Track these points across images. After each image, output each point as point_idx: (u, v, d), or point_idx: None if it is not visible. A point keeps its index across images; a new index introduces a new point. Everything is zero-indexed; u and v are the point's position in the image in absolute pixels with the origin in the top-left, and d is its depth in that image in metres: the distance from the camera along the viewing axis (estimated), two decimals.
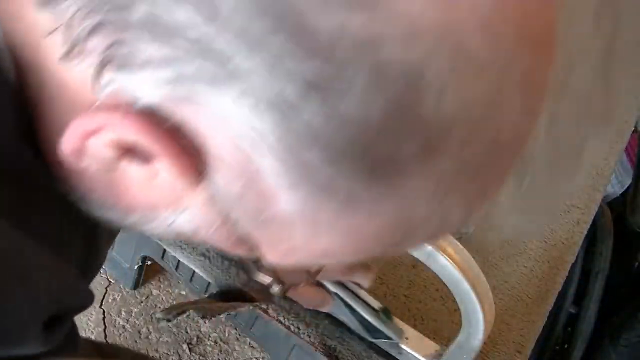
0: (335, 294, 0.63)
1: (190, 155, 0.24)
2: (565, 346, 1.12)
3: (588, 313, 1.09)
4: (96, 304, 1.19)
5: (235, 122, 0.22)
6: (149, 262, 1.11)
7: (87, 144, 0.25)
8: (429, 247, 0.52)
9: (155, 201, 0.27)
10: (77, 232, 0.34)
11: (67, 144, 0.25)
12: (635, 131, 1.15)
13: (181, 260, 0.71)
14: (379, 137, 0.22)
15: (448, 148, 0.23)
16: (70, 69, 0.25)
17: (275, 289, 0.58)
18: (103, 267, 1.21)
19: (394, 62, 0.21)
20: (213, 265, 0.69)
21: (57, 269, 0.31)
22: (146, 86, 0.23)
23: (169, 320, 0.60)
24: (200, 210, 0.27)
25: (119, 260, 1.15)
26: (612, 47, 1.16)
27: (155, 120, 0.23)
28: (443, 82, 0.21)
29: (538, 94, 0.24)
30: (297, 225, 0.26)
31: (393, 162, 0.23)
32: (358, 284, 0.63)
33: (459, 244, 0.53)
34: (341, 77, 0.21)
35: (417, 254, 0.54)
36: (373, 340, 0.67)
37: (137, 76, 0.22)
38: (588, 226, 0.91)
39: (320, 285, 0.62)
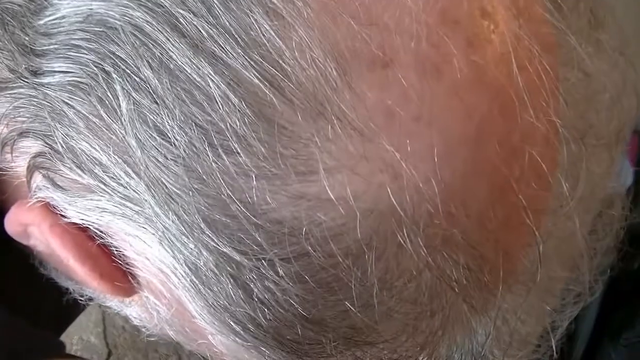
0: None
1: (119, 274, 0.24)
2: (565, 346, 1.12)
3: (588, 313, 1.09)
4: (96, 304, 1.19)
5: (158, 261, 0.22)
6: None
7: (27, 229, 0.25)
8: None
9: (102, 290, 0.27)
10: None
11: (9, 225, 0.25)
12: (635, 131, 1.15)
13: None
14: (298, 323, 0.22)
15: (374, 341, 0.22)
16: (16, 172, 0.25)
17: None
18: None
19: (316, 254, 0.20)
20: None
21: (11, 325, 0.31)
22: (71, 208, 0.23)
23: None
24: (142, 310, 0.27)
25: None
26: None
27: (82, 238, 0.23)
28: (371, 279, 0.21)
29: None
30: (236, 355, 0.25)
31: (305, 345, 0.22)
32: None
33: None
34: (255, 259, 0.20)
35: None
36: None
37: (62, 196, 0.23)
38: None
39: None
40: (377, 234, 0.20)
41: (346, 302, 0.21)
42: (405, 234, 0.20)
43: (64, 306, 0.36)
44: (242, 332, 0.22)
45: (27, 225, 0.25)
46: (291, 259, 0.20)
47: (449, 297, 0.22)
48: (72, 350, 1.12)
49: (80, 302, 0.41)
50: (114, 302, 0.28)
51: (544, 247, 0.23)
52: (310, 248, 0.20)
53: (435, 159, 0.19)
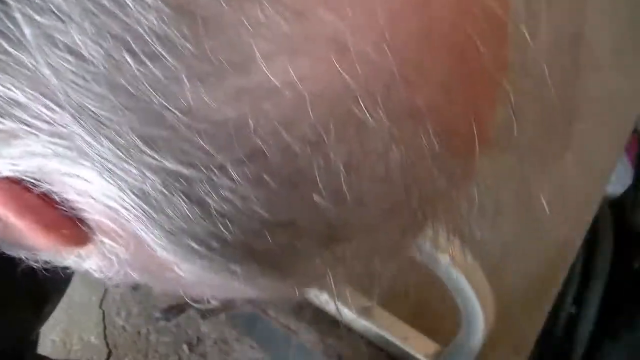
0: None
1: (67, 222, 0.22)
2: (565, 346, 1.12)
3: (588, 313, 1.09)
4: (96, 304, 1.20)
5: (104, 197, 0.20)
6: None
7: None
8: (430, 248, 0.52)
9: (55, 247, 0.25)
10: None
11: None
12: (635, 131, 1.15)
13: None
14: (259, 231, 0.20)
15: (350, 235, 0.21)
16: None
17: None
18: None
19: (268, 151, 0.18)
20: None
21: None
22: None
23: (168, 320, 0.60)
24: (100, 260, 0.25)
25: None
26: (613, 46, 1.16)
27: (17, 190, 0.21)
28: (332, 169, 0.19)
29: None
30: (200, 285, 0.24)
31: (279, 254, 0.21)
32: None
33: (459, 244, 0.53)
34: (206, 169, 0.19)
35: (417, 254, 0.54)
36: None
37: None
38: (588, 226, 0.91)
39: None
40: (333, 115, 0.18)
41: (313, 196, 0.19)
42: (365, 110, 0.18)
43: (39, 291, 0.35)
44: (207, 253, 0.21)
45: None
46: (244, 160, 0.18)
47: (423, 171, 0.20)
48: (72, 350, 1.12)
49: (57, 287, 0.39)
50: (71, 260, 0.26)
51: (515, 104, 0.21)
52: (262, 144, 0.18)
53: (382, 23, 0.17)
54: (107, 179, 0.19)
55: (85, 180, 0.20)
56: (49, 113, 0.19)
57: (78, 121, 0.18)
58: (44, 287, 0.36)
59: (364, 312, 0.68)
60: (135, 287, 1.19)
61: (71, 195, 0.21)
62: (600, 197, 0.95)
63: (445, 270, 0.53)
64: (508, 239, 0.86)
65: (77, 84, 0.18)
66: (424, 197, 0.21)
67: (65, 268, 0.27)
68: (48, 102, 0.18)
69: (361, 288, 0.24)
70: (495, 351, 0.74)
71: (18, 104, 0.19)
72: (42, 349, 1.04)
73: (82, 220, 0.22)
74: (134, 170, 0.19)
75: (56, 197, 0.21)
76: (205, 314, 0.62)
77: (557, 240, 0.87)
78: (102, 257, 0.24)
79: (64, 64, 0.17)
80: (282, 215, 0.20)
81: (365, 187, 0.20)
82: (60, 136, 0.19)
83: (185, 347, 1.19)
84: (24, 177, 0.21)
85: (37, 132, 0.19)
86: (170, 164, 0.18)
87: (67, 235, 0.22)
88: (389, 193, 0.20)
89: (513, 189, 0.92)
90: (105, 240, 0.23)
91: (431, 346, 0.67)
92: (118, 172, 0.19)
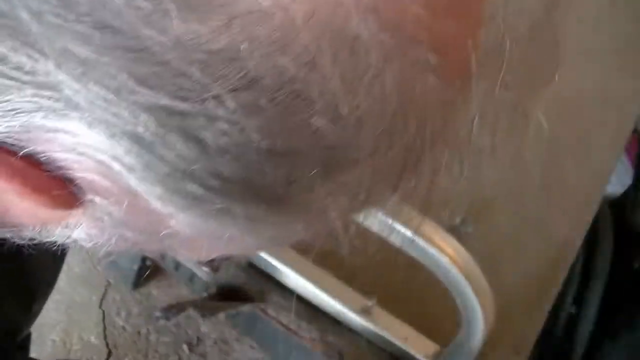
0: None
1: (55, 183, 0.21)
2: (565, 346, 1.12)
3: (588, 313, 1.09)
4: (95, 304, 1.20)
5: (93, 151, 0.19)
6: (149, 262, 1.11)
7: None
8: (430, 248, 0.52)
9: (42, 219, 0.24)
10: None
11: None
12: (635, 131, 1.15)
13: (181, 260, 0.71)
14: (260, 164, 0.19)
15: (352, 160, 0.20)
16: None
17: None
18: (102, 267, 1.21)
19: (264, 77, 0.18)
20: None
21: None
22: None
23: (168, 319, 0.60)
24: (92, 226, 0.24)
25: (119, 260, 1.15)
26: (613, 46, 1.16)
27: (2, 153, 0.20)
28: (330, 88, 0.18)
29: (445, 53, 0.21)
30: (198, 238, 0.23)
31: (281, 186, 0.20)
32: None
33: (459, 244, 0.53)
34: (201, 102, 0.18)
35: (416, 254, 0.54)
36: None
37: None
38: (588, 226, 0.91)
39: None
40: (326, 34, 0.18)
41: (312, 119, 0.19)
42: (357, 25, 0.18)
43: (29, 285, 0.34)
44: (207, 194, 0.20)
45: None
46: (239, 88, 0.18)
47: (420, 89, 0.20)
48: (72, 350, 1.12)
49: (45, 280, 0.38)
50: (58, 233, 0.25)
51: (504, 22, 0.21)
52: (256, 70, 0.18)
53: None
54: (97, 127, 0.18)
55: (73, 134, 0.19)
56: (31, 63, 0.18)
57: (63, 67, 0.17)
58: (31, 282, 0.35)
59: (364, 312, 0.68)
60: (135, 286, 1.19)
61: (58, 154, 0.20)
62: (600, 197, 0.95)
63: (445, 270, 0.53)
64: (508, 239, 0.86)
65: (59, 27, 0.17)
66: (422, 120, 0.21)
67: (53, 244, 0.26)
68: (29, 51, 0.17)
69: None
70: (495, 351, 0.74)
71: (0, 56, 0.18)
72: (42, 348, 1.04)
73: (71, 181, 0.21)
74: (126, 113, 0.18)
75: (42, 158, 0.20)
76: (205, 314, 0.62)
77: (557, 240, 0.87)
78: (93, 220, 0.23)
79: (44, 6, 0.17)
80: (282, 143, 0.19)
81: (363, 106, 0.19)
82: (44, 87, 0.18)
83: (185, 347, 1.20)
84: (6, 140, 0.20)
85: (19, 86, 0.18)
86: (164, 100, 0.18)
87: (57, 198, 0.21)
88: (386, 113, 0.20)
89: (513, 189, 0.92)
90: (97, 199, 0.22)
91: (431, 346, 0.67)
92: (108, 117, 0.18)
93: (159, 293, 1.24)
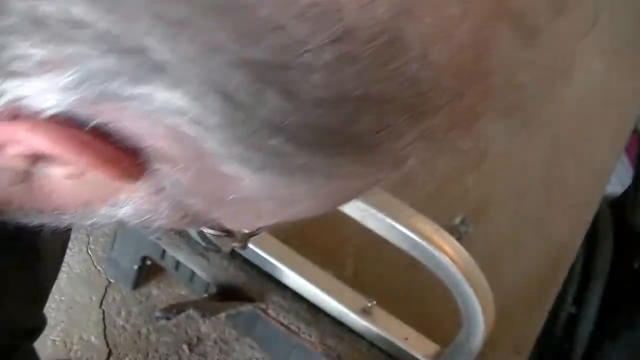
0: None
1: (123, 154, 0.21)
2: (565, 346, 1.12)
3: (588, 313, 1.09)
4: (96, 304, 1.20)
5: (169, 115, 0.19)
6: (149, 262, 1.11)
7: None
8: (430, 247, 0.52)
9: (88, 198, 0.24)
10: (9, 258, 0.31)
11: None
12: (635, 131, 1.15)
13: (181, 260, 0.71)
14: (355, 113, 0.20)
15: (438, 106, 0.21)
16: None
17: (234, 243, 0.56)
18: (103, 267, 1.21)
19: (360, 27, 0.18)
20: (212, 265, 0.69)
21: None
22: (49, 93, 0.19)
23: (168, 319, 0.60)
24: (145, 201, 0.24)
25: (119, 260, 1.15)
26: (613, 46, 1.16)
27: (71, 127, 0.20)
28: (422, 34, 0.19)
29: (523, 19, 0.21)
30: (264, 202, 0.24)
31: (374, 134, 0.21)
32: None
33: (458, 244, 0.53)
34: (299, 55, 0.18)
35: (416, 253, 0.54)
36: (206, 246, 0.65)
37: (34, 84, 0.19)
38: (588, 226, 0.91)
39: None
40: None
41: (407, 66, 0.19)
42: None
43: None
44: (293, 149, 0.20)
45: None
46: (336, 40, 0.18)
47: (494, 36, 0.21)
48: (72, 350, 1.12)
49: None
50: (102, 212, 0.25)
51: None
52: (353, 20, 0.18)
53: None
54: (181, 90, 0.19)
55: (149, 99, 0.19)
56: (117, 29, 0.18)
57: (154, 30, 0.17)
58: (41, 280, 0.35)
59: (364, 312, 0.68)
60: (135, 286, 1.20)
61: (128, 123, 0.20)
62: (600, 197, 0.95)
63: (445, 270, 0.53)
64: (508, 239, 0.86)
65: None
66: (493, 71, 0.22)
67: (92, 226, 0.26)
68: (117, 17, 0.18)
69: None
70: (495, 351, 0.74)
71: (83, 24, 0.18)
72: (43, 348, 1.04)
73: (138, 151, 0.21)
74: (219, 71, 0.18)
75: (111, 129, 0.20)
76: (205, 314, 0.62)
77: (557, 240, 0.87)
78: (151, 193, 0.23)
79: None
80: (376, 91, 0.20)
81: (449, 53, 0.20)
82: (128, 52, 0.18)
83: (185, 347, 1.20)
84: (75, 112, 0.20)
85: (100, 54, 0.18)
86: (260, 55, 0.18)
87: (125, 169, 0.21)
88: (468, 57, 0.21)
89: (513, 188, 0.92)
90: (164, 167, 0.22)
91: (431, 346, 0.67)
92: (197, 78, 0.18)
93: (159, 293, 1.24)
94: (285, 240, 0.74)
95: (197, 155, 0.21)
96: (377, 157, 0.22)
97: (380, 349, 0.70)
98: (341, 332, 0.70)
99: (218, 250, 0.65)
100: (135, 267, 1.13)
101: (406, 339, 0.67)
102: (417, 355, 0.67)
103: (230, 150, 0.20)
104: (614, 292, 1.11)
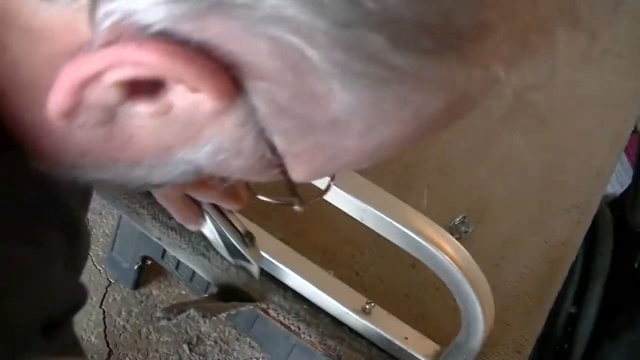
0: (206, 212, 0.63)
1: (222, 75, 0.21)
2: (565, 346, 1.12)
3: (588, 313, 1.09)
4: (96, 304, 1.20)
5: (276, 22, 0.19)
6: (149, 262, 1.11)
7: (84, 94, 0.21)
8: (430, 247, 0.52)
9: (169, 141, 0.24)
10: (53, 224, 0.31)
11: (57, 102, 0.22)
12: (635, 131, 1.16)
13: (181, 260, 0.71)
14: (453, 8, 0.20)
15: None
16: (45, 17, 0.21)
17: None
18: (103, 267, 1.21)
19: None
20: (213, 265, 0.69)
21: (44, 270, 0.29)
22: (155, 9, 0.19)
23: (169, 319, 0.60)
24: (229, 136, 0.24)
25: (119, 260, 1.15)
26: (613, 46, 1.16)
27: (174, 45, 0.20)
28: None
29: None
30: (352, 124, 0.23)
31: (469, 30, 0.21)
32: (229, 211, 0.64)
33: (459, 244, 0.53)
34: None
35: (416, 253, 0.54)
36: (232, 260, 0.67)
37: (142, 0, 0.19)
38: (588, 226, 0.91)
39: (195, 203, 0.62)
40: None
41: None
42: None
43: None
44: (395, 49, 0.20)
45: (90, 80, 0.21)
46: None
47: None
48: None
49: None
50: (180, 156, 0.25)
51: None
52: None
53: None
54: (296, 3, 0.19)
55: (257, 6, 0.19)
56: None
57: None
58: (78, 259, 0.35)
59: (364, 312, 0.68)
60: (135, 286, 1.20)
61: (231, 36, 0.20)
62: (600, 197, 0.95)
63: (445, 270, 0.53)
64: (508, 239, 0.86)
65: None
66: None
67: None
68: None
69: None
70: (495, 351, 0.74)
71: None
72: None
73: (235, 67, 0.21)
74: None
75: (211, 45, 0.21)
76: (205, 314, 0.62)
77: (557, 240, 0.87)
78: (239, 122, 0.23)
79: None
80: None
81: None
82: None
83: (185, 346, 1.20)
84: (180, 29, 0.20)
85: None
86: None
87: (225, 86, 0.21)
88: None
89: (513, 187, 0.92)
90: (258, 84, 0.22)
91: (431, 346, 0.67)
92: None
93: (159, 293, 1.24)
94: (285, 240, 0.74)
95: (295, 68, 0.21)
96: (469, 55, 0.22)
97: (380, 349, 0.70)
98: (341, 332, 0.70)
99: (247, 261, 0.65)
100: (136, 267, 1.13)
101: (406, 338, 0.67)
102: (417, 355, 0.67)
103: (331, 56, 0.20)
104: (614, 292, 1.11)
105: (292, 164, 0.26)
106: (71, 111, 0.22)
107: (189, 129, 0.23)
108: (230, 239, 0.64)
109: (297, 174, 0.27)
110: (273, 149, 0.25)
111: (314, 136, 0.24)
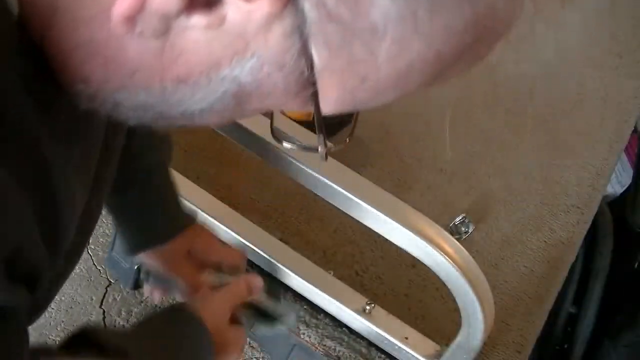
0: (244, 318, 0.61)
1: None
2: (565, 346, 1.12)
3: (588, 313, 1.09)
4: (96, 304, 1.20)
5: None
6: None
7: (146, 1, 0.23)
8: (430, 247, 0.52)
9: (217, 56, 0.26)
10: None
11: (121, 6, 0.23)
12: (635, 131, 1.16)
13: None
14: None
15: None
16: None
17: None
18: (103, 267, 1.21)
19: None
20: None
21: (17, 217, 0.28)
22: None
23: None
24: (275, 48, 0.25)
25: (119, 260, 1.15)
26: (613, 46, 1.16)
27: None
28: None
29: None
30: (388, 33, 0.25)
31: None
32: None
33: (459, 244, 0.53)
34: None
35: (417, 253, 0.54)
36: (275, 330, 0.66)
37: None
38: (588, 226, 0.91)
39: (237, 321, 0.60)
40: None
41: None
42: None
43: None
44: None
45: None
46: None
47: None
48: None
49: None
50: (225, 74, 0.26)
51: None
52: None
53: None
54: None
55: None
56: None
57: None
58: (58, 225, 0.34)
59: (364, 312, 0.68)
60: (135, 286, 1.19)
61: None
62: (600, 197, 0.95)
63: (445, 270, 0.53)
64: (508, 239, 0.86)
65: None
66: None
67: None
68: None
69: None
70: (495, 351, 0.74)
71: None
72: None
73: None
74: None
75: None
76: None
77: (557, 240, 0.87)
78: (287, 32, 0.25)
79: None
80: None
81: None
82: None
83: None
84: None
85: None
86: None
87: None
88: None
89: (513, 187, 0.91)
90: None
91: (431, 346, 0.67)
92: None
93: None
94: (285, 240, 0.74)
95: None
96: None
97: (380, 349, 0.70)
98: (341, 332, 0.70)
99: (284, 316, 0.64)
100: (136, 267, 1.13)
101: (406, 338, 0.67)
102: (417, 355, 0.67)
103: None
104: (614, 292, 1.11)
105: (325, 87, 0.27)
106: (134, 15, 0.24)
107: (238, 42, 0.25)
108: (271, 315, 0.63)
109: (327, 100, 0.28)
110: (311, 65, 0.26)
111: (352, 46, 0.25)
